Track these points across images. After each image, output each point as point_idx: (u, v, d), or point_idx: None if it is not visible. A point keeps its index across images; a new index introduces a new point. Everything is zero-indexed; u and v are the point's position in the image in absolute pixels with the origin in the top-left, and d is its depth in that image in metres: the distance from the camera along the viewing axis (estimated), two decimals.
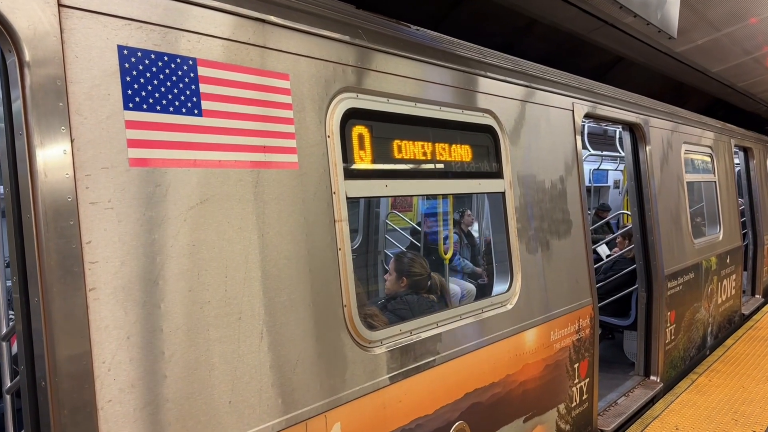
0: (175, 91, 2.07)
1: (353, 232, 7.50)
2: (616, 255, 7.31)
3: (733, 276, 8.17)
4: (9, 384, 2.47)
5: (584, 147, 6.92)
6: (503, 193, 3.68)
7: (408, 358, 2.87)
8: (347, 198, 2.64)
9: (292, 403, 2.33)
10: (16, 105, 1.74)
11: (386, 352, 2.76)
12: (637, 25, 6.49)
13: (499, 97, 3.71)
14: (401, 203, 8.15)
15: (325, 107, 2.59)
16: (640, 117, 5.74)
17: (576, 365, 4.34)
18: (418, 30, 3.34)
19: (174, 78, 2.07)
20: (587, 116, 4.83)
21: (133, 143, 1.94)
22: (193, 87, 2.12)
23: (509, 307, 3.63)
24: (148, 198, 1.96)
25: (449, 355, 3.12)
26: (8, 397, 2.44)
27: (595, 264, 4.95)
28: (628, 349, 6.60)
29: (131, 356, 1.89)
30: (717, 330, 7.53)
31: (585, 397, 4.48)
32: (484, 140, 3.61)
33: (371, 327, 2.82)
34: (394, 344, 2.82)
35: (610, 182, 15.27)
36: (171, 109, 2.05)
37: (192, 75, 2.12)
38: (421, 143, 3.10)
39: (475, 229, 8.31)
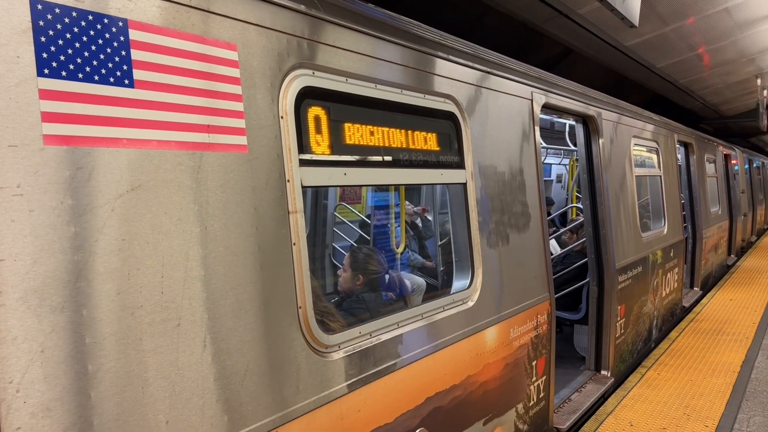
0: (102, 56, 1.75)
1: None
2: (566, 249, 7.29)
3: (676, 269, 8.33)
4: None
5: None
6: (465, 185, 3.48)
7: (368, 363, 2.63)
8: (303, 187, 2.37)
9: (240, 420, 2.05)
10: None
11: (345, 357, 2.51)
12: (592, 17, 6.45)
13: (460, 82, 3.51)
14: (350, 195, 7.89)
15: (278, 84, 2.30)
16: (594, 109, 5.68)
17: (534, 363, 4.22)
18: (375, 8, 3.09)
19: (100, 41, 1.75)
20: (545, 106, 4.70)
21: (49, 117, 1.61)
22: (123, 53, 1.80)
23: (470, 304, 3.44)
24: (67, 183, 1.63)
25: (410, 357, 2.90)
26: None
27: None
28: (578, 344, 6.58)
29: (46, 373, 1.57)
30: (661, 323, 7.64)
31: (542, 395, 4.37)
32: (446, 128, 3.40)
33: (327, 329, 2.56)
34: (353, 348, 2.57)
35: (553, 176, 15.45)
36: (96, 77, 1.73)
37: (122, 39, 1.80)
38: (382, 129, 2.85)
39: (420, 222, 8.12)
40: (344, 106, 2.67)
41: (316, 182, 2.51)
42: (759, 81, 11.67)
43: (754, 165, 19.01)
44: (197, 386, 1.92)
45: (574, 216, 9.86)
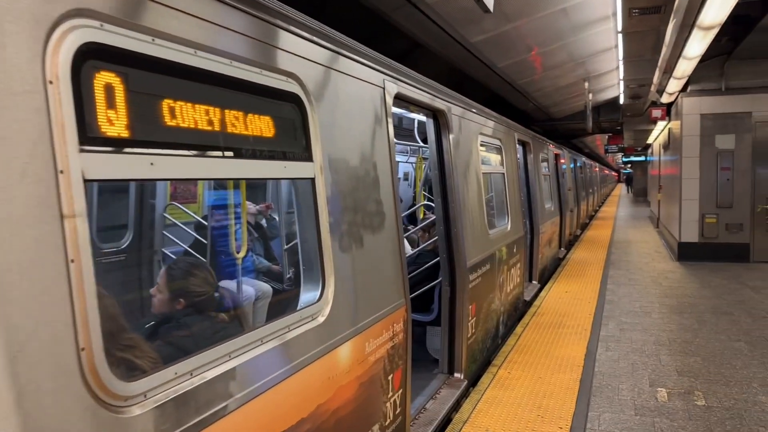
0: None
1: (121, 228, 6.21)
2: (418, 248, 7.08)
3: (518, 264, 8.51)
4: None
5: None
6: (313, 180, 2.97)
7: (187, 412, 2.01)
8: (85, 180, 1.70)
9: None
10: None
11: (153, 408, 1.87)
12: (440, 8, 6.25)
13: (305, 60, 2.98)
14: (183, 193, 7.03)
15: (44, 35, 1.61)
16: (444, 104, 5.46)
17: (390, 377, 3.82)
18: None
19: None
20: (397, 97, 4.33)
21: None
22: None
23: (321, 320, 2.93)
24: None
25: (247, 394, 2.32)
26: None
27: None
28: (431, 346, 6.37)
29: None
30: (507, 318, 7.73)
31: (398, 410, 3.99)
32: (290, 112, 2.86)
33: (129, 373, 1.91)
34: (166, 395, 1.93)
35: (401, 174, 15.51)
36: None
37: None
38: (205, 107, 2.23)
39: (265, 222, 7.49)
40: (151, 75, 2.02)
41: (107, 174, 1.84)
42: (587, 84, 12.51)
43: (578, 164, 20.69)
44: None
45: (422, 215, 9.78)
